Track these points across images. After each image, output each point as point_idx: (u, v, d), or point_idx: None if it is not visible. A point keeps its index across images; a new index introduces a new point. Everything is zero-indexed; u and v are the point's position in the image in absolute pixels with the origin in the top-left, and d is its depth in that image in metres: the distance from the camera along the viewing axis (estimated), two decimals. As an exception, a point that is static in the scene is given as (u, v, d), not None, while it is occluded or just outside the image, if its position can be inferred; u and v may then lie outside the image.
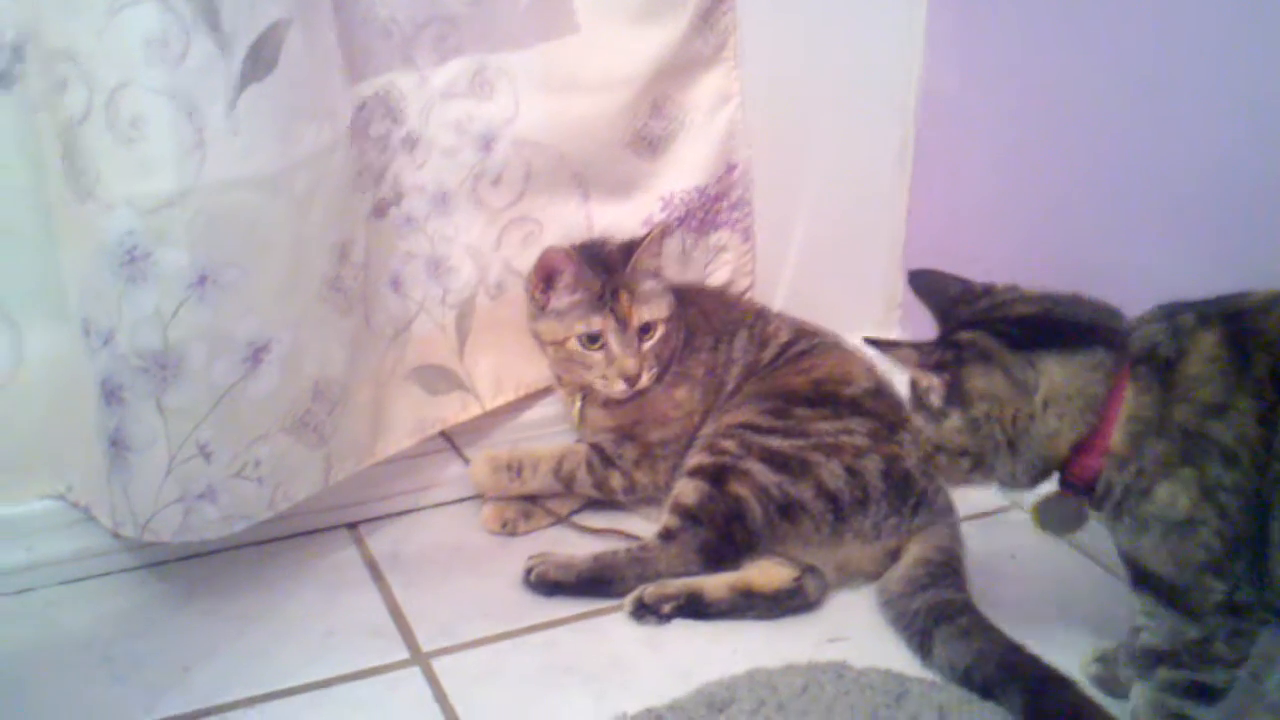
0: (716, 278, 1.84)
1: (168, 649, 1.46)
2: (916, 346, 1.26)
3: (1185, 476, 1.14)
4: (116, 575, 1.58)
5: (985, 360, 1.21)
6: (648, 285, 1.63)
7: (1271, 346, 1.12)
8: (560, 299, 1.60)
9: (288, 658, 1.43)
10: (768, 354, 1.71)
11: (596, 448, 1.68)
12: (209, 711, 1.36)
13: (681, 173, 1.74)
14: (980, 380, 1.21)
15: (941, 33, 1.82)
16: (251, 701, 1.37)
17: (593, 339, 1.60)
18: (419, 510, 1.74)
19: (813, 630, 1.48)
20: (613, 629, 1.49)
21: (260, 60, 1.28)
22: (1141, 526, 1.17)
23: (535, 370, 1.76)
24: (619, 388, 1.61)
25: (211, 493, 1.43)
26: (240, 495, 1.46)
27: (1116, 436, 1.17)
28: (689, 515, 1.55)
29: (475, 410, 1.74)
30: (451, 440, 1.76)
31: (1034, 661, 1.34)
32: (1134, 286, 1.50)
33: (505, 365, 1.74)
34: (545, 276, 1.60)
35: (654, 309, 1.62)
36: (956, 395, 1.22)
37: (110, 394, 1.36)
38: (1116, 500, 1.18)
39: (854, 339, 1.84)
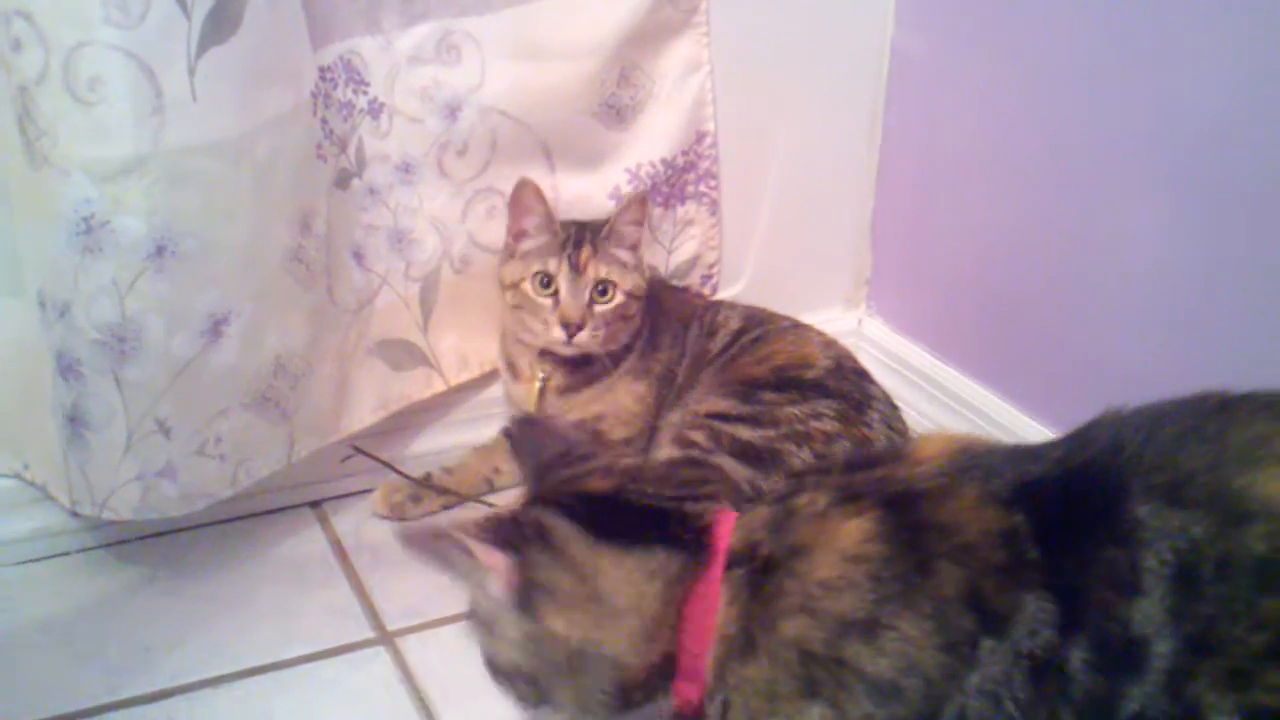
0: (683, 252, 1.82)
1: (129, 630, 1.43)
2: (478, 522, 0.96)
3: (813, 714, 0.89)
4: (76, 555, 1.55)
5: (551, 548, 0.94)
6: (618, 252, 1.61)
7: (969, 551, 0.87)
8: (528, 242, 1.60)
9: (252, 638, 1.41)
10: (717, 343, 1.69)
11: None
12: (172, 692, 1.34)
13: (649, 143, 1.72)
14: (546, 575, 0.94)
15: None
16: (215, 682, 1.35)
17: (546, 282, 1.58)
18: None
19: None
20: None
21: (222, 22, 1.24)
22: None
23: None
24: (556, 333, 1.58)
25: (171, 470, 1.40)
26: (201, 472, 1.43)
27: (709, 658, 0.93)
28: None
29: (439, 387, 1.71)
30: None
31: None
32: (1120, 257, 1.52)
33: (470, 341, 1.72)
34: (517, 212, 1.59)
35: (616, 272, 1.60)
36: (523, 593, 0.94)
37: (67, 369, 1.33)
38: None
39: (821, 316, 1.87)
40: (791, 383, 1.60)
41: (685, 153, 1.75)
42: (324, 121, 1.45)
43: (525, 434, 1.09)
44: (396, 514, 1.64)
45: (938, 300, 1.89)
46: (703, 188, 1.78)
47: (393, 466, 1.68)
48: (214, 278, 1.33)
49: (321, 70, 1.45)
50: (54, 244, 1.27)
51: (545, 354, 1.65)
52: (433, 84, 1.55)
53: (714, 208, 1.81)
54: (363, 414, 1.63)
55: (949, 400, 1.81)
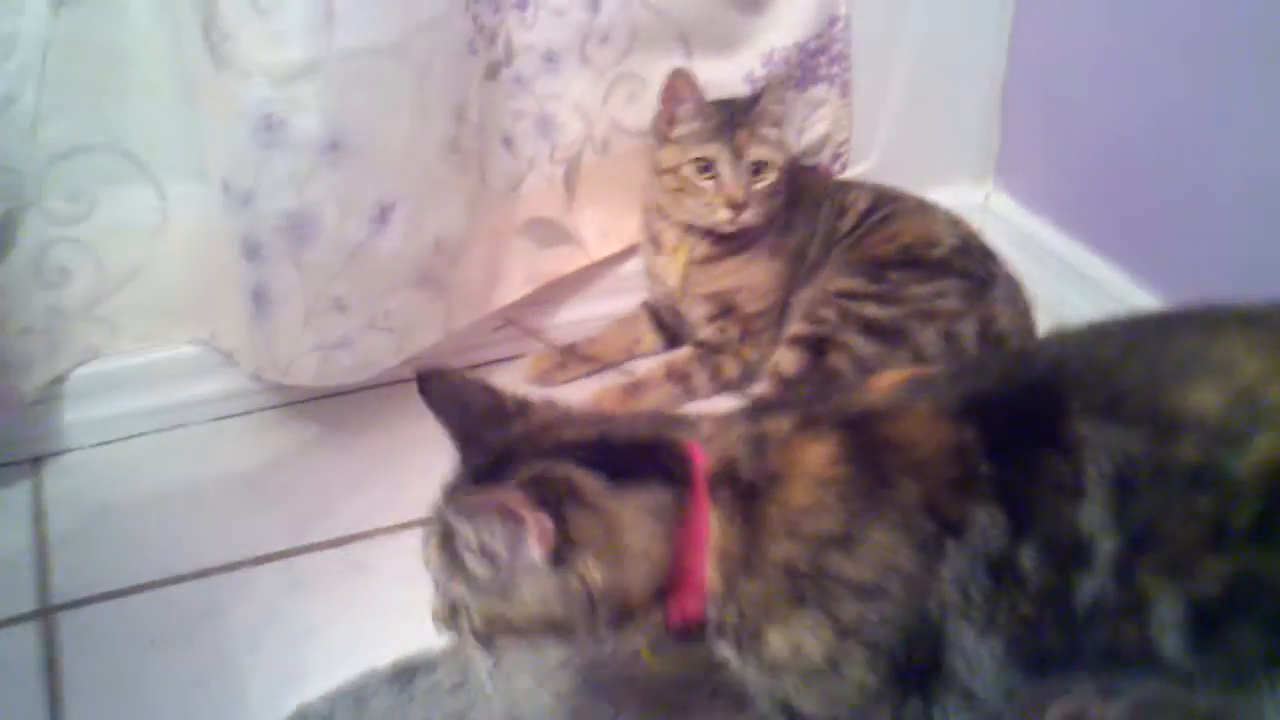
0: (814, 132, 1.88)
1: (310, 481, 1.59)
2: (518, 484, 0.94)
3: (806, 619, 0.95)
4: (258, 414, 1.72)
5: (581, 501, 0.94)
6: (767, 130, 1.67)
7: (928, 465, 0.93)
8: (682, 127, 1.66)
9: (413, 492, 1.53)
10: (846, 223, 1.75)
11: (700, 344, 1.75)
12: (350, 539, 1.49)
13: (783, 28, 1.77)
14: (584, 527, 0.94)
15: None
16: (388, 530, 1.50)
17: (706, 167, 1.65)
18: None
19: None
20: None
21: (385, -69, 1.34)
22: (773, 670, 0.98)
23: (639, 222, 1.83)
24: (724, 215, 1.65)
25: (347, 342, 1.55)
26: (372, 344, 1.57)
27: (710, 573, 0.96)
28: (788, 385, 1.60)
29: (583, 261, 1.82)
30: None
31: None
32: (1250, 140, 1.52)
33: (611, 218, 1.81)
34: (670, 101, 1.65)
35: (769, 150, 1.66)
36: (561, 549, 0.93)
37: (251, 251, 1.46)
38: (731, 640, 0.99)
39: (948, 191, 1.91)
40: (917, 261, 1.66)
41: (818, 36, 1.79)
42: (475, 17, 1.53)
43: (442, 386, 1.05)
44: (545, 380, 1.76)
45: (1065, 177, 1.91)
46: (834, 69, 1.83)
47: (540, 337, 1.80)
48: (380, 169, 1.45)
49: (473, -33, 1.53)
50: (237, 139, 1.40)
51: (690, 228, 1.72)
52: (576, -24, 1.62)
53: (845, 89, 1.86)
54: (512, 288, 1.76)
55: (1073, 276, 1.85)
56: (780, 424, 0.98)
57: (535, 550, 0.93)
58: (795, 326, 1.68)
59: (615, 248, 1.85)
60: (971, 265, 1.67)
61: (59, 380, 1.62)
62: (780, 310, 1.74)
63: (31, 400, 1.59)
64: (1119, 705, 1.19)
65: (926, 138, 1.94)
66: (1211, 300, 0.99)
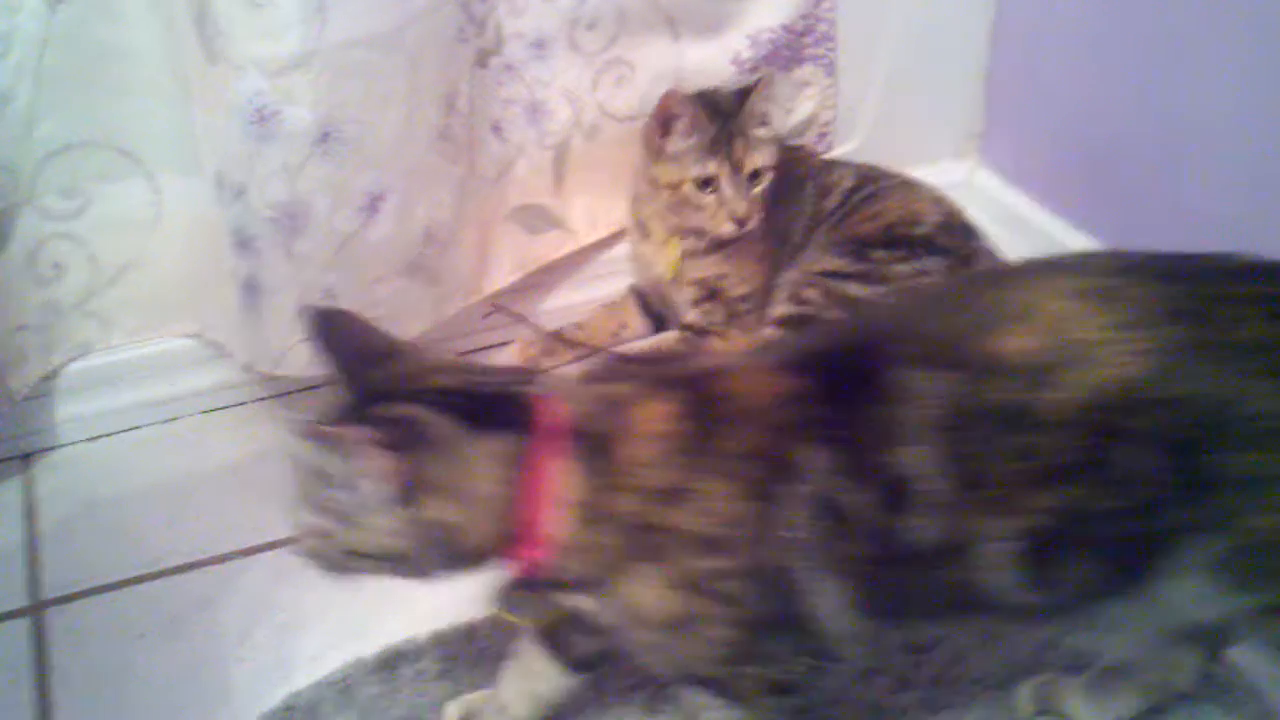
0: (800, 113, 1.88)
1: (302, 473, 1.60)
2: (373, 424, 0.95)
3: (650, 573, 0.98)
4: (250, 405, 1.72)
5: (432, 444, 0.97)
6: (758, 131, 1.67)
7: (756, 415, 0.97)
8: (677, 143, 1.66)
9: None
10: (831, 202, 1.76)
11: (687, 327, 1.75)
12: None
13: (769, 10, 1.77)
14: (433, 469, 0.97)
15: None
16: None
17: (706, 182, 1.65)
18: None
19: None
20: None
21: (375, -78, 1.33)
22: (634, 623, 1.02)
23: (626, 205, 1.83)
24: (728, 228, 1.66)
25: (338, 331, 1.55)
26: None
27: (558, 523, 0.98)
28: None
29: (571, 246, 1.83)
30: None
31: None
32: (1243, 116, 1.53)
33: (599, 203, 1.82)
34: (663, 121, 1.65)
35: (764, 155, 1.67)
36: (409, 487, 0.96)
37: (243, 243, 1.46)
38: (586, 592, 1.02)
39: (933, 169, 1.93)
40: (901, 240, 1.68)
41: (804, 17, 1.80)
42: (464, 5, 1.53)
43: (334, 325, 1.06)
44: (532, 365, 1.76)
45: (1046, 153, 1.93)
46: (820, 50, 1.84)
47: (529, 322, 1.81)
48: (372, 159, 1.45)
49: (462, -45, 1.53)
50: (230, 132, 1.39)
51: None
52: (564, -37, 1.62)
53: (830, 69, 1.86)
54: (502, 275, 1.76)
55: (1055, 250, 1.83)
56: (629, 385, 1.01)
57: (382, 486, 0.95)
58: (780, 307, 1.69)
59: (604, 233, 1.85)
60: (954, 242, 1.69)
61: (51, 376, 1.62)
62: (766, 291, 1.76)
63: (23, 396, 1.59)
64: (1083, 678, 1.24)
65: (911, 116, 1.96)
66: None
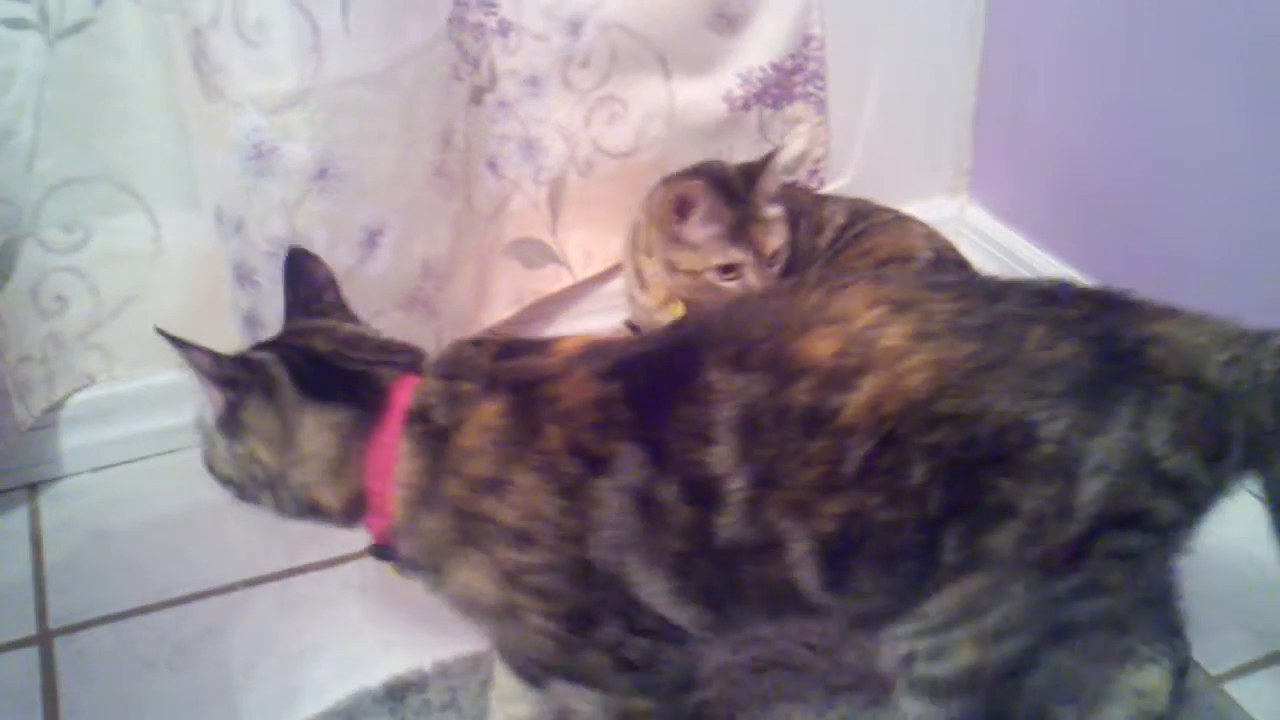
0: (791, 150, 1.91)
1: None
2: (213, 355, 1.06)
3: (474, 560, 1.04)
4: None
5: (266, 394, 1.06)
6: (771, 212, 1.69)
7: (574, 414, 1.01)
8: (694, 231, 1.66)
9: None
10: (824, 239, 1.77)
11: None
12: (349, 558, 1.51)
13: (759, 49, 1.81)
14: (253, 415, 1.07)
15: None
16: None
17: (728, 269, 1.66)
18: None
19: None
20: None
21: (370, -39, 1.37)
22: (469, 610, 1.08)
23: (622, 242, 1.85)
24: None
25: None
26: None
27: (395, 502, 1.05)
28: None
29: (568, 281, 1.86)
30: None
31: None
32: (1225, 155, 1.57)
33: (594, 238, 1.85)
34: (680, 209, 1.66)
35: (779, 236, 1.69)
36: (230, 423, 1.07)
37: (243, 277, 1.50)
38: (420, 571, 1.09)
39: (925, 205, 1.96)
40: None
41: (793, 56, 1.83)
42: (459, 44, 1.57)
43: (300, 265, 1.20)
44: None
45: (1037, 188, 1.96)
46: (810, 88, 1.87)
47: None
48: (369, 194, 1.48)
49: (456, -5, 1.57)
50: (229, 168, 1.43)
51: None
52: (555, 2, 1.66)
53: (820, 106, 1.90)
54: (499, 308, 1.79)
55: (1046, 286, 1.89)
56: (470, 386, 1.05)
57: (209, 412, 1.08)
58: None
59: (599, 268, 1.88)
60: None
61: (56, 407, 1.65)
62: None
63: (29, 427, 1.61)
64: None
65: (902, 153, 1.99)
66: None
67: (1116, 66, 1.72)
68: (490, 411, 1.03)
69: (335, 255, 1.48)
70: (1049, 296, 1.01)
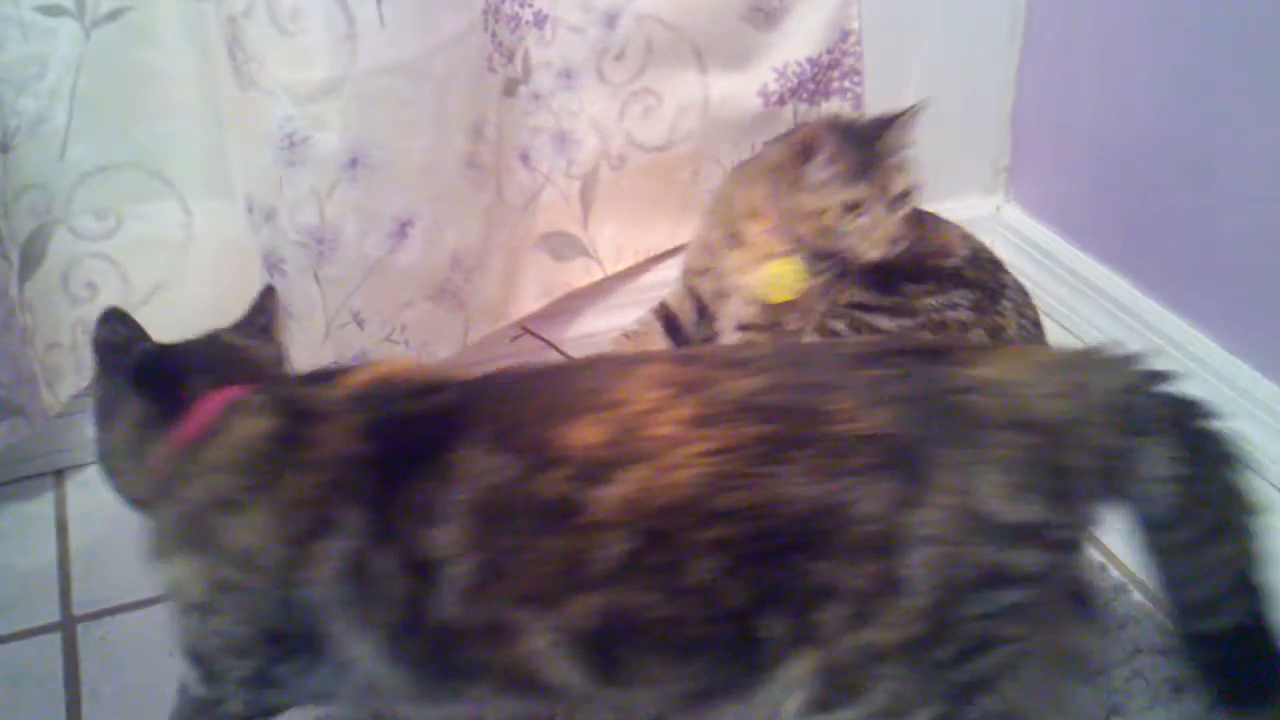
0: (827, 146, 1.89)
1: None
2: (120, 331, 1.14)
3: (190, 563, 1.03)
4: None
5: (113, 378, 1.13)
6: (900, 156, 1.65)
7: (320, 467, 0.99)
8: (818, 172, 1.62)
9: None
10: None
11: None
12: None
13: (796, 43, 1.79)
14: (104, 394, 1.15)
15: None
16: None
17: (852, 208, 1.63)
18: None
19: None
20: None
21: (407, -51, 1.36)
22: (172, 593, 1.08)
23: (654, 237, 1.86)
24: (874, 255, 1.62)
25: (364, 355, 1.57)
26: (389, 357, 1.58)
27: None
28: None
29: (598, 275, 1.84)
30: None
31: None
32: (1274, 155, 1.53)
33: (626, 232, 1.84)
34: (803, 150, 1.63)
35: (907, 177, 1.64)
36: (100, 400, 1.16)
37: (273, 266, 1.49)
38: (151, 558, 1.08)
39: (960, 203, 1.94)
40: (931, 271, 1.67)
41: (830, 51, 1.81)
42: (493, 35, 1.56)
43: (267, 295, 1.24)
44: None
45: (1075, 187, 1.93)
46: (846, 83, 1.85)
47: (556, 346, 1.83)
48: (400, 185, 1.48)
49: (492, -14, 1.56)
50: (261, 157, 1.42)
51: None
52: (593, -6, 1.65)
53: (857, 102, 1.87)
54: (528, 301, 1.78)
55: (1084, 287, 1.87)
56: (262, 398, 1.06)
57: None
58: (807, 339, 1.67)
59: (630, 262, 1.87)
60: (982, 276, 1.68)
61: (84, 394, 1.64)
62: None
63: (56, 413, 1.61)
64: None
65: (938, 150, 1.94)
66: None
67: (1160, 61, 1.69)
68: (257, 429, 1.02)
69: (365, 245, 1.49)
70: (862, 359, 0.95)
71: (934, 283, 1.65)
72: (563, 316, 1.86)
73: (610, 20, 1.66)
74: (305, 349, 1.53)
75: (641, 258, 1.87)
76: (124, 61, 1.47)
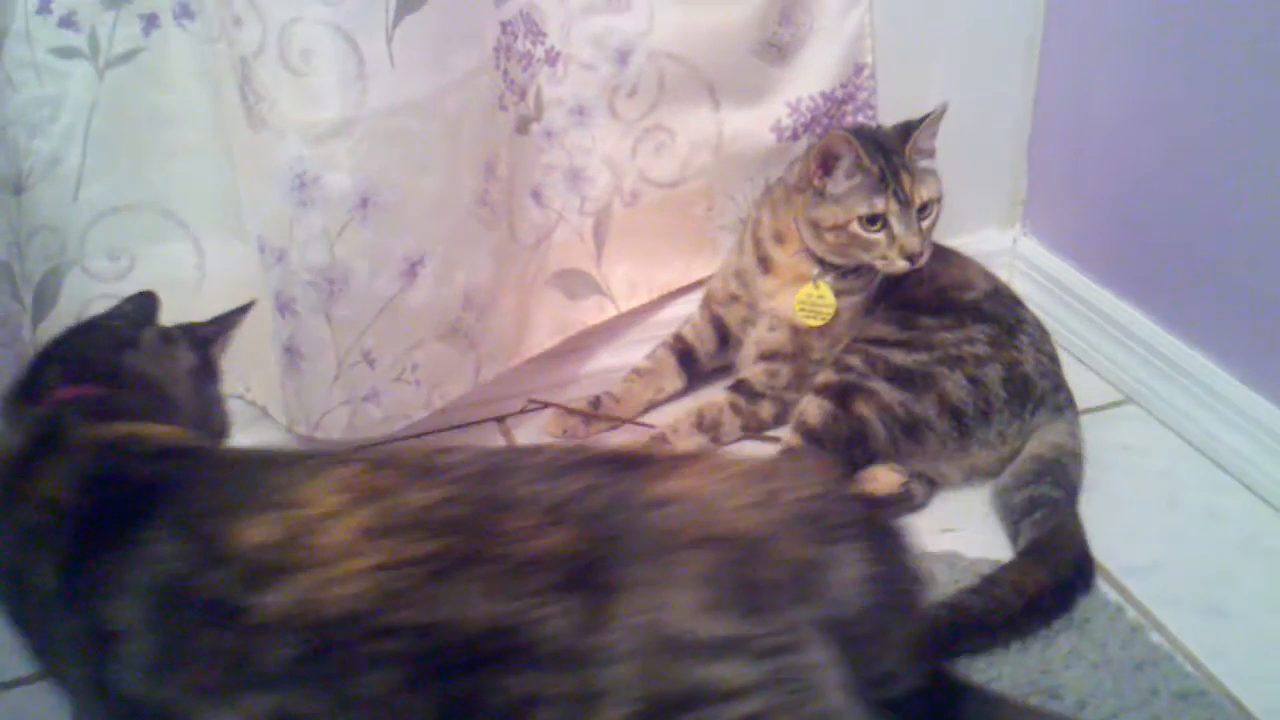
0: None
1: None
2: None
3: None
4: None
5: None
6: (924, 164, 1.64)
7: (19, 504, 1.02)
8: (839, 184, 1.62)
9: None
10: None
11: (740, 387, 1.74)
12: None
13: (810, 78, 1.78)
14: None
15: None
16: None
17: (873, 220, 1.61)
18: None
19: (925, 522, 1.56)
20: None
21: (416, -9, 1.36)
22: None
23: (668, 273, 1.85)
24: (901, 265, 1.61)
25: (375, 395, 1.56)
26: (400, 397, 1.58)
27: None
28: (811, 436, 1.60)
29: (611, 312, 1.84)
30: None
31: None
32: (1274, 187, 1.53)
33: (639, 269, 1.83)
34: (824, 163, 1.62)
35: (931, 187, 1.63)
36: None
37: (284, 306, 1.49)
38: None
39: (976, 236, 1.94)
40: (950, 305, 1.66)
41: (844, 85, 1.81)
42: (505, 73, 1.56)
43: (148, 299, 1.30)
44: (568, 435, 1.77)
45: (1093, 221, 1.92)
46: (860, 118, 1.84)
47: (566, 407, 1.80)
48: (410, 224, 1.47)
49: (503, 25, 1.55)
50: (272, 197, 1.42)
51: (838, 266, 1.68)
52: (605, 31, 1.65)
53: (872, 136, 1.87)
54: (541, 339, 1.77)
55: (1101, 320, 1.86)
56: (37, 412, 1.09)
57: None
58: (823, 375, 1.67)
59: (644, 298, 1.86)
60: (1000, 311, 1.68)
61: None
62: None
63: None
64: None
65: (954, 183, 1.92)
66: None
67: (1179, 93, 1.68)
68: (57, 485, 1.01)
69: (376, 285, 1.48)
70: (556, 471, 0.91)
71: (953, 317, 1.65)
72: (574, 355, 1.85)
73: (623, 57, 1.66)
74: (317, 389, 1.54)
75: (655, 294, 1.87)
76: (137, 103, 1.48)
